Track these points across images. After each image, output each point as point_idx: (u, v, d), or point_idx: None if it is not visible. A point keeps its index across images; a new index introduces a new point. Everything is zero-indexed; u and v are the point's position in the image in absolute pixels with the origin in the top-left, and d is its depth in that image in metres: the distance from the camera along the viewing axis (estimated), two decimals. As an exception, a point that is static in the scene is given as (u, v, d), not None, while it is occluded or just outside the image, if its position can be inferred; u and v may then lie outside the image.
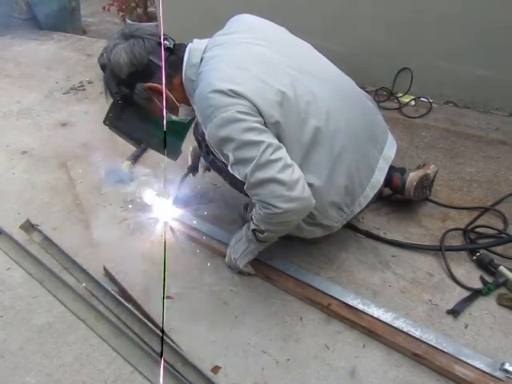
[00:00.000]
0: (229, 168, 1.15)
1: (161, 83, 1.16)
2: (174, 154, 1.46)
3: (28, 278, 1.44)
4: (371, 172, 1.32)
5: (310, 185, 1.16)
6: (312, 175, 1.17)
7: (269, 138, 1.07)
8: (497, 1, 2.00)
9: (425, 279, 1.38)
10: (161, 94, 1.18)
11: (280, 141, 1.11)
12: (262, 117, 1.08)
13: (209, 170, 1.58)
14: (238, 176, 1.13)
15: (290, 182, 1.07)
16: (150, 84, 1.18)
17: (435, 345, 1.15)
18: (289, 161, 1.09)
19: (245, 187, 1.13)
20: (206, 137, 1.14)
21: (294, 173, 1.09)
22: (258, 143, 1.06)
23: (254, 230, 1.27)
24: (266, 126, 1.09)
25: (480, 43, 2.12)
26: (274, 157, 1.06)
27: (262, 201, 1.11)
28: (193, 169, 1.65)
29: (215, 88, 1.06)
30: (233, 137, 1.07)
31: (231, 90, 1.05)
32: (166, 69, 1.15)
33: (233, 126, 1.06)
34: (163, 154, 1.41)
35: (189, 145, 1.60)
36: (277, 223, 1.16)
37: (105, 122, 1.33)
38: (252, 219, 1.25)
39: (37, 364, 1.19)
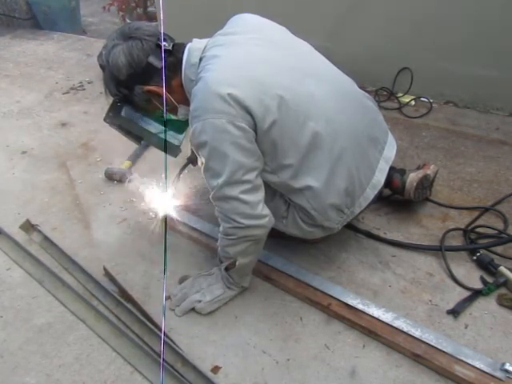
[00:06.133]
0: (201, 170, 1.15)
1: (160, 86, 1.16)
2: (174, 151, 1.47)
3: (28, 278, 1.43)
4: (371, 173, 1.32)
5: (310, 187, 1.16)
6: (311, 177, 1.17)
7: (246, 156, 1.08)
8: (497, 1, 2.01)
9: (425, 279, 1.38)
10: (160, 96, 1.18)
11: (277, 143, 1.11)
12: (255, 123, 1.07)
13: None
14: (206, 182, 1.15)
15: (253, 202, 1.11)
16: (149, 87, 1.18)
17: (435, 345, 1.15)
18: (258, 182, 1.12)
19: (210, 196, 1.15)
20: (190, 132, 1.13)
21: (258, 193, 1.12)
22: (234, 161, 1.06)
23: (225, 266, 1.28)
24: (257, 136, 1.09)
25: (480, 43, 2.12)
26: (245, 178, 1.09)
27: (223, 214, 1.14)
28: (192, 159, 1.64)
29: (211, 90, 1.05)
30: (214, 144, 1.06)
31: (228, 94, 1.04)
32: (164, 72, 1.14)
33: (218, 135, 1.05)
34: (163, 151, 1.41)
35: (188, 141, 1.60)
36: (238, 238, 1.17)
37: (105, 120, 1.34)
38: (219, 254, 1.28)
39: (37, 364, 1.19)
